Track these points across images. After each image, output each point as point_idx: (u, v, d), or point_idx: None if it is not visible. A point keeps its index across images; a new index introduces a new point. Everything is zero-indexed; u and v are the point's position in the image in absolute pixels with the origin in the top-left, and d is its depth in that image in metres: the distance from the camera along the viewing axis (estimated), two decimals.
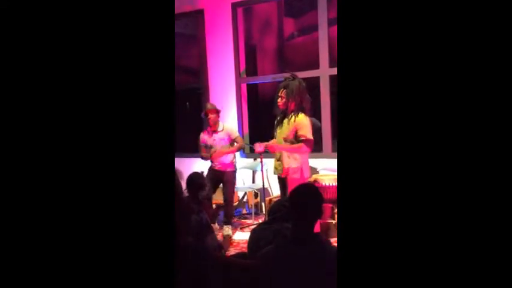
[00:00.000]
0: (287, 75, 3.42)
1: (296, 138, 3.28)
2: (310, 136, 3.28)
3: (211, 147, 4.24)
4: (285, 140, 3.32)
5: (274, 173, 3.53)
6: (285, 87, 3.33)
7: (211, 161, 4.29)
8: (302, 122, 3.29)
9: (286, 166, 3.34)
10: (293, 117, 3.30)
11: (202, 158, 4.33)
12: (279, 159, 3.42)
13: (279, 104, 3.35)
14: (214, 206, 4.37)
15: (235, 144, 4.26)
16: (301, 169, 3.35)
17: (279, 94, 3.34)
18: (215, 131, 4.24)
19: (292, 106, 3.31)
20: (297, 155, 3.32)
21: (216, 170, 4.19)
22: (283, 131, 3.34)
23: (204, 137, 4.32)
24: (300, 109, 3.32)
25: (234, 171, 4.33)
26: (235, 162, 4.37)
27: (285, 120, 3.35)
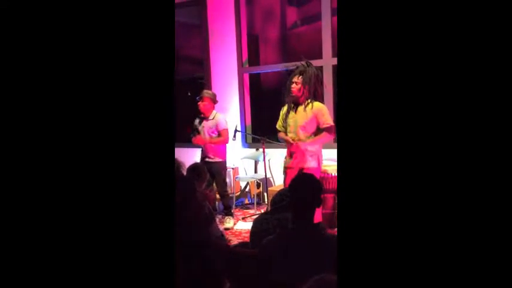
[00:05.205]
0: (302, 62, 3.34)
1: (318, 126, 3.23)
2: (332, 122, 3.24)
3: (198, 133, 4.23)
4: (304, 128, 3.24)
5: (284, 171, 3.43)
6: (300, 74, 3.24)
7: (202, 152, 4.27)
8: (322, 109, 3.23)
9: (307, 156, 3.25)
10: (310, 104, 3.23)
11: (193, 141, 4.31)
12: (291, 156, 3.31)
13: (293, 90, 3.24)
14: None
15: (220, 136, 4.17)
16: (318, 157, 3.32)
17: (294, 80, 3.25)
18: (205, 119, 4.20)
19: (307, 93, 3.23)
20: (316, 146, 3.28)
21: (206, 162, 4.13)
22: (299, 119, 3.25)
23: (196, 122, 4.30)
24: (314, 96, 3.26)
25: (224, 162, 4.28)
26: (225, 152, 4.32)
27: (300, 107, 3.26)
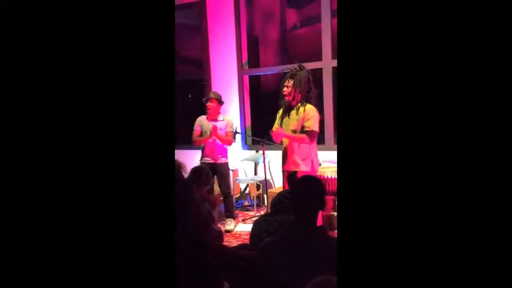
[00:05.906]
0: (295, 65, 3.37)
1: (302, 129, 3.25)
2: (315, 128, 3.24)
3: (206, 132, 4.25)
4: (294, 131, 3.26)
5: (283, 169, 3.45)
6: (291, 77, 3.29)
7: (202, 154, 4.29)
8: (310, 113, 3.25)
9: (297, 160, 3.28)
10: (301, 107, 3.26)
11: (195, 143, 4.30)
12: (285, 152, 3.35)
13: (284, 93, 3.29)
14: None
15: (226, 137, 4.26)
16: (312, 161, 3.33)
17: (285, 84, 3.30)
18: (214, 120, 4.25)
19: (298, 96, 3.26)
20: (306, 147, 3.28)
21: (208, 163, 4.15)
22: (292, 122, 3.28)
23: (202, 122, 4.30)
24: (306, 99, 3.28)
25: (227, 163, 4.34)
26: (228, 153, 4.37)
27: (293, 111, 3.29)
